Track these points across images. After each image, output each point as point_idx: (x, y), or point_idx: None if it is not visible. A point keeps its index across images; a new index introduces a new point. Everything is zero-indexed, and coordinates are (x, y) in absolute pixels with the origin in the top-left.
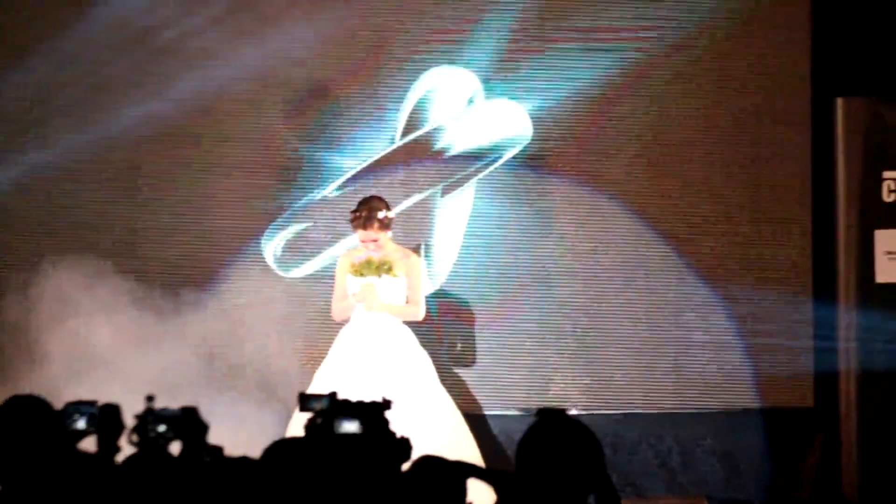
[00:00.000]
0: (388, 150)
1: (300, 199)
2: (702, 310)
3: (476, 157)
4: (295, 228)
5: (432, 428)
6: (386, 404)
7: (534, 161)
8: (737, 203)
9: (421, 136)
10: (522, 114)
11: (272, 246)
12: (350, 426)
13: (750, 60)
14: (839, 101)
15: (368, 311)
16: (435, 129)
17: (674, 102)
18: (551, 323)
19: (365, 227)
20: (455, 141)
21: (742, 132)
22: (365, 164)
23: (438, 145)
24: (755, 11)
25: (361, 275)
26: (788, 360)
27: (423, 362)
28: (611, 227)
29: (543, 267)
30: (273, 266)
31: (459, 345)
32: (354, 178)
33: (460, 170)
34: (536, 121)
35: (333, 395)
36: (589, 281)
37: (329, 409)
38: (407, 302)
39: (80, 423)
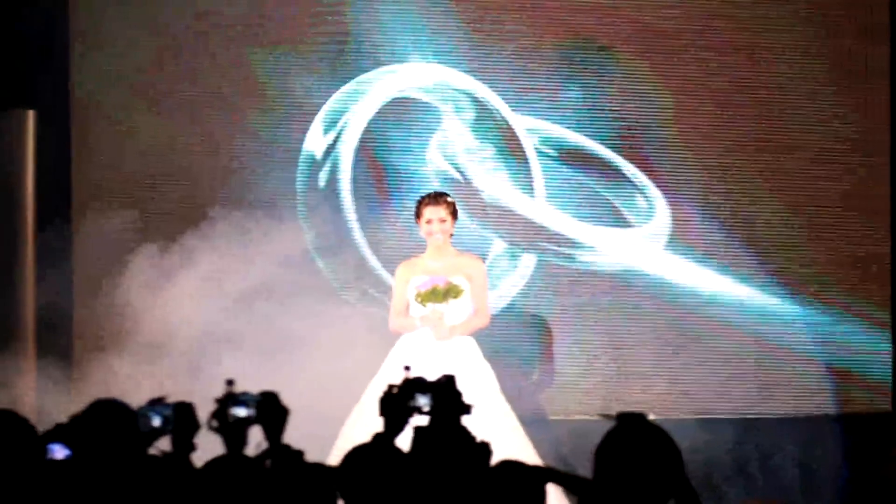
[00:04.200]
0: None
1: None
2: (781, 316)
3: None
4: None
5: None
6: (466, 408)
7: (610, 166)
8: (817, 205)
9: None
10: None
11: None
12: (422, 400)
13: (829, 62)
14: None
15: (439, 340)
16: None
17: (753, 110)
18: (630, 328)
19: (435, 201)
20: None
21: (822, 134)
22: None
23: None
24: (833, 14)
25: (426, 304)
26: (867, 366)
27: (484, 373)
28: (692, 233)
29: (623, 272)
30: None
31: (537, 350)
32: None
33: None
34: (623, 126)
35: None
36: (668, 287)
37: (404, 386)
38: (474, 311)
39: (155, 423)
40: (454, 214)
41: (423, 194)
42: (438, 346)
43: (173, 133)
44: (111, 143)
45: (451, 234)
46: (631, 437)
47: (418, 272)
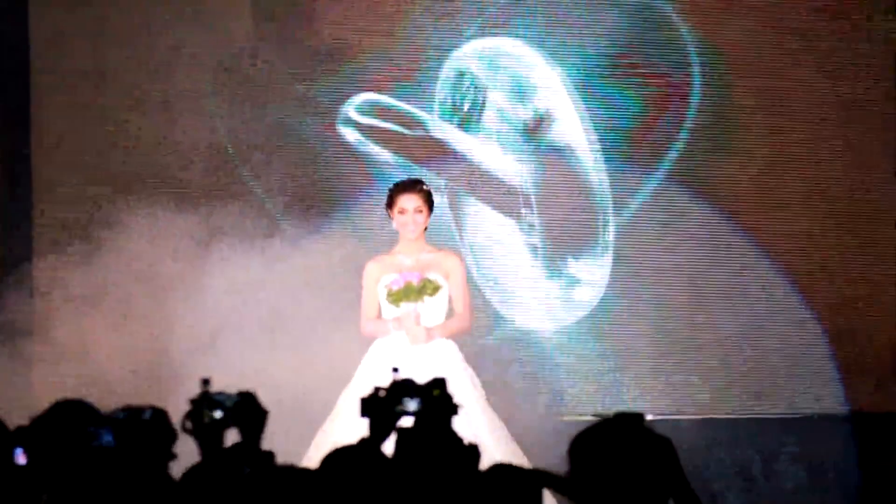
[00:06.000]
0: None
1: None
2: (787, 312)
3: None
4: None
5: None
6: (453, 409)
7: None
8: (823, 203)
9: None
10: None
11: None
12: (412, 404)
13: (836, 53)
14: None
15: (414, 345)
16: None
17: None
18: (627, 326)
19: (411, 189)
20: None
21: (828, 129)
22: None
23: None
24: (840, 7)
25: (399, 304)
26: (875, 364)
27: (468, 380)
28: (689, 227)
29: (620, 270)
30: None
31: (532, 350)
32: None
33: None
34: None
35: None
36: (667, 283)
37: (392, 389)
38: (453, 311)
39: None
40: (430, 205)
41: (395, 181)
42: (415, 352)
43: (137, 128)
44: (73, 136)
45: (426, 228)
46: (629, 438)
47: (389, 269)
